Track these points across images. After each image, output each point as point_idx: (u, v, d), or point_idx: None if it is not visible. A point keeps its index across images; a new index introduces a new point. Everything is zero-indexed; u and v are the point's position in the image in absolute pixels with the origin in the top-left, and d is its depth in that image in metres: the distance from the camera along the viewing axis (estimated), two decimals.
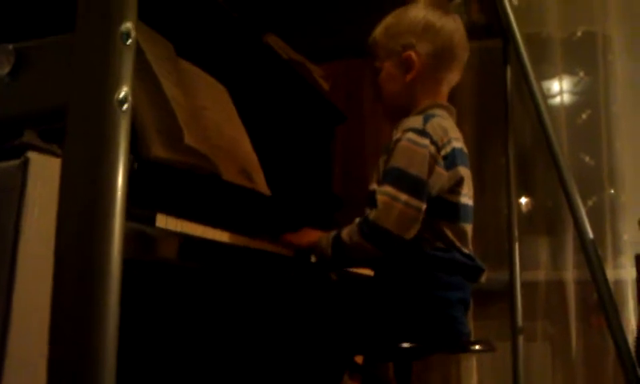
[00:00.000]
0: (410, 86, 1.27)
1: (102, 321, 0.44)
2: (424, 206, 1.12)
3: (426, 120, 1.18)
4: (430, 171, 1.14)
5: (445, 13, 1.30)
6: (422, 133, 1.16)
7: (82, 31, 0.44)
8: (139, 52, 0.97)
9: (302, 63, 1.70)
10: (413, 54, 1.26)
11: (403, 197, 1.11)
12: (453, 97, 2.03)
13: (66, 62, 0.44)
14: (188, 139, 1.01)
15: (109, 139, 0.45)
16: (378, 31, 1.32)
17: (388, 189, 1.12)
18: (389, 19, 1.32)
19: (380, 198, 1.12)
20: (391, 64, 1.29)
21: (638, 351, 1.37)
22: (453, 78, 1.32)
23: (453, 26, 1.29)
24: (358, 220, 1.14)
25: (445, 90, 1.31)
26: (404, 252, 1.16)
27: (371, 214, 1.12)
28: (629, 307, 1.76)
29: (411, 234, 1.11)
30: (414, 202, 1.11)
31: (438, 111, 1.23)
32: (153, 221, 0.84)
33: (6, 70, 0.46)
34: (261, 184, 1.25)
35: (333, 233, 1.17)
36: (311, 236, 1.22)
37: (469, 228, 1.23)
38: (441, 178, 1.16)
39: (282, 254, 1.18)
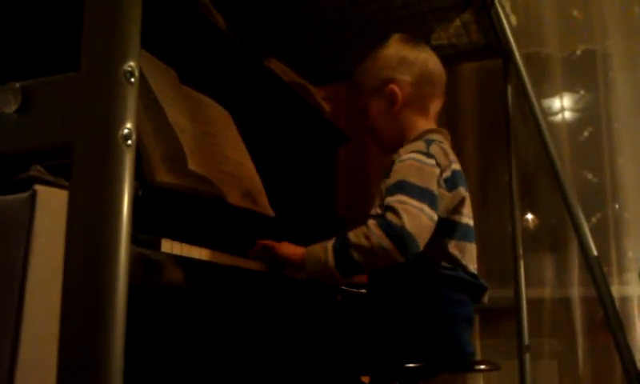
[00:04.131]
0: (399, 116, 1.31)
1: (109, 347, 0.45)
2: (436, 220, 1.12)
3: (428, 144, 1.21)
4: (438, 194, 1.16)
5: (416, 44, 1.36)
6: (428, 154, 1.18)
7: (85, 70, 0.46)
8: (143, 80, 1.00)
9: (304, 86, 1.72)
10: (394, 87, 1.30)
11: (426, 209, 1.10)
12: (455, 116, 2.05)
13: (71, 99, 0.46)
14: (192, 164, 1.02)
15: (114, 173, 0.46)
16: (357, 75, 1.37)
17: (409, 199, 1.10)
18: (365, 62, 1.37)
19: (402, 206, 1.08)
20: (376, 101, 1.33)
21: None
22: (437, 102, 1.36)
23: (425, 54, 1.35)
24: (373, 221, 1.09)
25: (432, 115, 1.35)
26: (410, 270, 1.17)
27: (395, 218, 1.07)
28: (635, 324, 1.75)
29: (422, 247, 1.10)
30: (434, 215, 1.12)
31: (435, 136, 1.27)
32: (158, 246, 0.85)
33: (14, 107, 0.48)
34: (265, 206, 1.26)
35: (329, 242, 1.12)
36: (292, 249, 1.15)
37: (472, 247, 1.25)
38: (444, 198, 1.18)
39: (290, 277, 1.19)
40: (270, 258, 1.14)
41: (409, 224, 1.06)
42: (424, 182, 1.13)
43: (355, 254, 1.08)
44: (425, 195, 1.11)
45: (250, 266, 1.08)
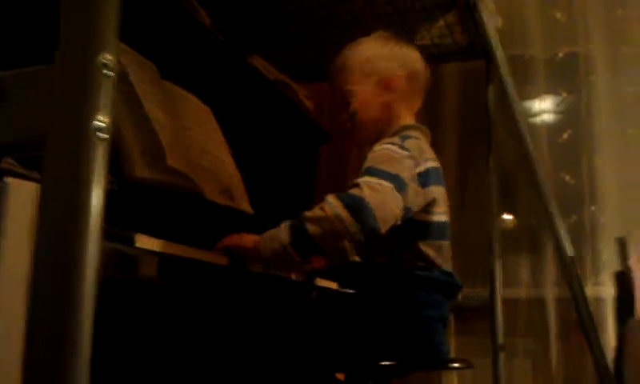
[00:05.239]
0: (388, 107, 1.30)
1: (77, 342, 0.45)
2: (402, 207, 1.09)
3: (402, 139, 1.21)
4: (408, 182, 1.13)
5: (404, 42, 1.36)
6: (401, 147, 1.18)
7: (60, 61, 0.46)
8: (122, 74, 0.99)
9: (287, 83, 1.73)
10: (394, 76, 1.29)
11: (392, 190, 1.06)
12: (437, 116, 2.07)
13: (45, 91, 0.46)
14: (170, 160, 1.02)
15: (87, 167, 0.46)
16: (348, 56, 1.33)
17: (375, 179, 1.06)
18: (357, 46, 1.34)
19: (366, 184, 1.04)
20: (367, 87, 1.31)
21: (617, 369, 1.39)
22: (418, 101, 1.37)
23: (416, 53, 1.36)
24: (331, 194, 1.05)
25: (413, 113, 1.35)
26: (384, 270, 1.18)
27: (356, 191, 1.04)
28: (608, 325, 1.78)
29: (384, 230, 1.05)
30: (400, 198, 1.07)
31: (413, 132, 1.26)
32: (132, 241, 0.85)
33: None
34: (244, 203, 1.27)
35: (284, 222, 1.07)
36: (247, 236, 1.07)
37: (446, 244, 1.25)
38: (418, 195, 1.16)
39: (265, 273, 1.19)
40: (228, 250, 1.06)
41: (369, 196, 1.02)
42: (394, 168, 1.10)
43: (310, 227, 1.02)
44: (393, 179, 1.08)
45: (225, 262, 1.08)
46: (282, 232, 1.04)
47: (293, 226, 1.04)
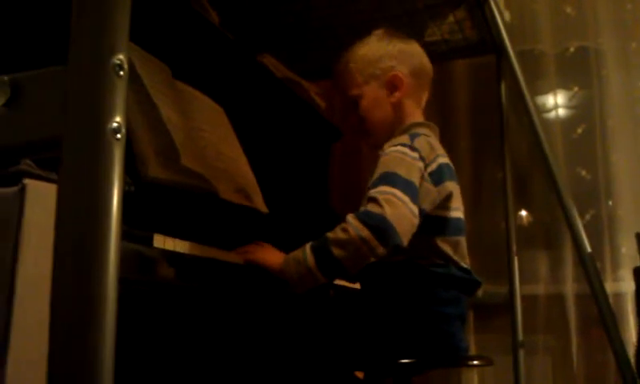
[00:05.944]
0: (397, 106, 1.30)
1: (99, 343, 0.44)
2: (418, 214, 1.09)
3: (412, 138, 1.20)
4: (419, 185, 1.14)
5: (407, 38, 1.36)
6: (412, 148, 1.17)
7: (74, 63, 0.45)
8: (135, 75, 0.99)
9: (298, 82, 1.72)
10: (399, 74, 1.28)
11: (409, 202, 1.06)
12: (448, 112, 2.06)
13: (60, 93, 0.46)
14: (184, 160, 1.02)
15: (103, 167, 0.46)
16: (351, 59, 1.32)
17: (392, 189, 1.06)
18: (359, 48, 1.33)
19: (384, 197, 1.05)
20: (373, 88, 1.30)
21: (638, 363, 1.38)
22: (425, 95, 1.36)
23: (419, 48, 1.35)
24: (351, 214, 1.06)
25: (421, 108, 1.35)
26: (402, 268, 1.17)
27: (375, 208, 1.04)
28: (628, 320, 1.76)
29: (406, 243, 1.06)
30: (416, 209, 1.08)
31: (421, 130, 1.25)
32: (150, 241, 0.85)
33: (2, 101, 0.47)
34: (258, 202, 1.26)
35: (307, 245, 1.08)
36: (270, 256, 1.09)
37: (463, 240, 1.24)
38: (430, 193, 1.16)
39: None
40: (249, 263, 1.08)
41: (390, 213, 1.02)
42: (407, 174, 1.11)
43: (335, 250, 1.03)
44: (408, 187, 1.08)
45: (243, 262, 1.07)
46: (307, 255, 1.05)
47: (317, 248, 1.05)
